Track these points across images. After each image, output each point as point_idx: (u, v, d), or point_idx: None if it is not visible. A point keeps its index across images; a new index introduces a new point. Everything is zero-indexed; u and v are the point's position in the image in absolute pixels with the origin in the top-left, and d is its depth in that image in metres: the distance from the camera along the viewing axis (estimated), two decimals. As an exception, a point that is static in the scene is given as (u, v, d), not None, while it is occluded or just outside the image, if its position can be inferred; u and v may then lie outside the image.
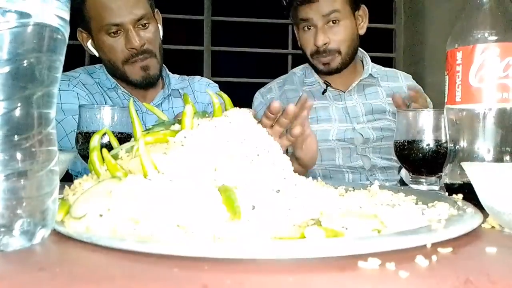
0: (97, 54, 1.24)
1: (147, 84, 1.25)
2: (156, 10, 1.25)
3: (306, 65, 1.48)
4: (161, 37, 1.25)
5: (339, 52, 1.32)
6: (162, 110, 1.28)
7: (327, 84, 1.41)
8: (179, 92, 1.35)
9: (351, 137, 1.36)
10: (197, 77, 1.46)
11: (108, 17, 1.13)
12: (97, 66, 1.31)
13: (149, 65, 1.21)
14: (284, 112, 0.80)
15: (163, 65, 1.32)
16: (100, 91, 1.26)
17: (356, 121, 1.38)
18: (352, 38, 1.33)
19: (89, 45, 1.23)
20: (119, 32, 1.16)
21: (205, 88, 1.39)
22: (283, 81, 1.51)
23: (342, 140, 1.36)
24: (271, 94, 1.48)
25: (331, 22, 1.28)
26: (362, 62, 1.46)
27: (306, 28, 1.32)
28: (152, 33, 1.20)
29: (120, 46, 1.17)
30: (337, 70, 1.35)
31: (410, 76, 1.52)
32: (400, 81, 1.47)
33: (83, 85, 1.24)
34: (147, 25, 1.18)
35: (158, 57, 1.23)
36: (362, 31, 1.38)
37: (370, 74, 1.41)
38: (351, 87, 1.41)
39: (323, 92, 1.41)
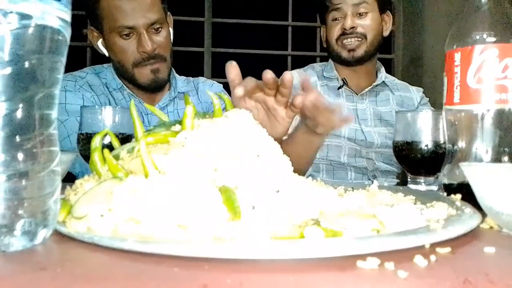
0: (106, 54, 1.23)
1: (154, 88, 1.25)
2: (168, 13, 1.25)
3: (325, 62, 1.52)
4: (172, 40, 1.25)
5: (365, 38, 1.37)
6: (168, 112, 1.28)
7: (344, 82, 1.44)
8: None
9: (361, 139, 1.38)
10: (202, 78, 1.46)
11: (122, 19, 1.13)
12: (105, 65, 1.31)
13: (159, 69, 1.21)
14: (282, 82, 0.79)
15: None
16: (106, 92, 1.26)
17: (364, 124, 1.41)
18: (378, 31, 1.39)
19: (100, 44, 1.22)
20: (131, 34, 1.15)
21: (209, 88, 1.40)
22: (304, 70, 1.53)
23: (352, 140, 1.39)
24: (293, 80, 1.48)
25: (359, 14, 1.36)
26: (376, 71, 1.50)
27: (335, 19, 1.38)
28: (164, 38, 1.19)
29: (132, 48, 1.17)
30: (360, 60, 1.39)
31: (422, 89, 1.55)
32: (412, 92, 1.51)
33: (90, 86, 1.24)
34: (160, 29, 1.18)
35: (168, 62, 1.23)
36: (385, 33, 1.44)
37: (383, 81, 1.46)
38: (364, 91, 1.44)
39: (339, 88, 1.44)
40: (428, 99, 1.52)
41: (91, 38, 1.24)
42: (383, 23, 1.42)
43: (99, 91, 1.25)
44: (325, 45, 1.48)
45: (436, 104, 1.48)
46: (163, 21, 1.19)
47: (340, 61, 1.42)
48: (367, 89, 1.44)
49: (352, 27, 1.35)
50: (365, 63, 1.41)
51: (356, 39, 1.36)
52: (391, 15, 1.45)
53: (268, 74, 0.76)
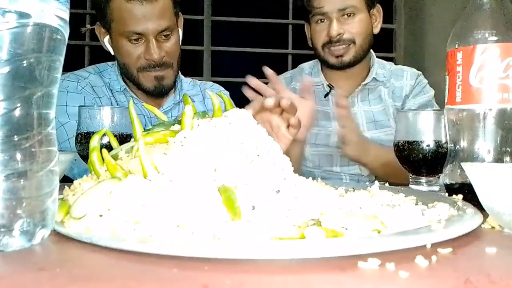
0: (112, 52, 1.21)
1: (159, 93, 1.23)
2: (179, 14, 1.23)
3: (316, 61, 1.44)
4: (181, 41, 1.23)
5: (354, 43, 1.29)
6: (171, 116, 1.26)
7: (331, 87, 1.38)
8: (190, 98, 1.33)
9: None
10: (209, 83, 1.43)
11: (131, 24, 1.11)
12: (110, 63, 1.29)
13: (164, 76, 1.19)
14: (283, 107, 0.87)
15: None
16: (108, 94, 1.24)
17: None
18: (368, 33, 1.31)
19: (106, 41, 1.20)
20: (139, 40, 1.13)
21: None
22: (291, 76, 1.47)
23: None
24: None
25: (346, 15, 1.27)
26: (370, 66, 1.42)
27: (319, 21, 1.30)
28: (173, 45, 1.17)
29: (138, 53, 1.15)
30: (350, 65, 1.31)
31: (418, 73, 1.43)
32: (404, 79, 1.41)
33: (92, 87, 1.22)
34: (169, 36, 1.16)
35: (174, 68, 1.21)
36: (376, 30, 1.36)
37: (374, 77, 1.37)
38: (354, 92, 1.37)
39: (325, 95, 1.39)
40: (426, 81, 1.41)
41: (98, 33, 1.22)
42: (373, 20, 1.33)
43: (102, 93, 1.23)
44: (310, 44, 1.40)
45: (437, 103, 1.44)
46: (174, 27, 1.17)
47: (328, 65, 1.35)
48: (357, 90, 1.36)
49: (339, 34, 1.27)
50: (357, 64, 1.34)
51: (343, 46, 1.29)
52: (380, 8, 1.36)
53: (270, 101, 0.86)
